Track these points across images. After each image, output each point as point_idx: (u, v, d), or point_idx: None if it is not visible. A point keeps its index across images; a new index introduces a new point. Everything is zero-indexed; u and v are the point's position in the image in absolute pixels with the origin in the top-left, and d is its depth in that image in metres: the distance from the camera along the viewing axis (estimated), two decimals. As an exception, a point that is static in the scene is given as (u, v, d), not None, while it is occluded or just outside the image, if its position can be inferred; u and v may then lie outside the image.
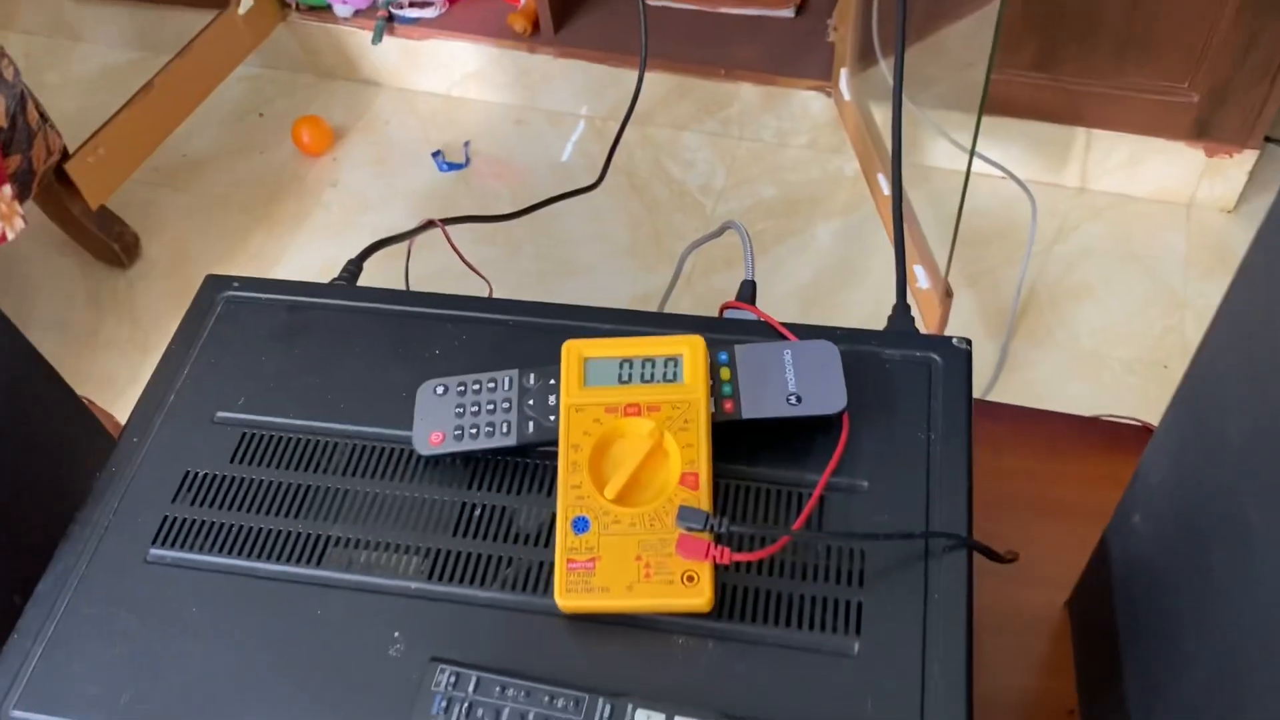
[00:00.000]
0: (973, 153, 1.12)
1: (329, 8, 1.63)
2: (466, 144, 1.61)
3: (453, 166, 1.58)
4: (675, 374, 0.49)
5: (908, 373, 0.54)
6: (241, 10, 1.56)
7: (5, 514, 0.57)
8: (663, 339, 0.50)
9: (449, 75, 1.66)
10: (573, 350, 0.51)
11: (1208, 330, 0.45)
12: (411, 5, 1.61)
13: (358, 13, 1.63)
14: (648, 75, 0.85)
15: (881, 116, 1.42)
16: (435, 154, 1.59)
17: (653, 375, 0.49)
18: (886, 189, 1.37)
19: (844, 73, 1.44)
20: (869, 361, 0.54)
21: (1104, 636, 0.56)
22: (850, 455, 0.51)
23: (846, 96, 1.45)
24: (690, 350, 0.50)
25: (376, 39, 1.61)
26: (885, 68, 1.36)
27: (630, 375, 0.50)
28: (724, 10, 1.58)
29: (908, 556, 0.48)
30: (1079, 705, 0.59)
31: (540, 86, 1.64)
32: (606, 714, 0.42)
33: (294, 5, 1.65)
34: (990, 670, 0.57)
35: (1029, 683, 0.61)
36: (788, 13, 1.56)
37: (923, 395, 0.53)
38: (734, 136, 1.59)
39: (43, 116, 1.30)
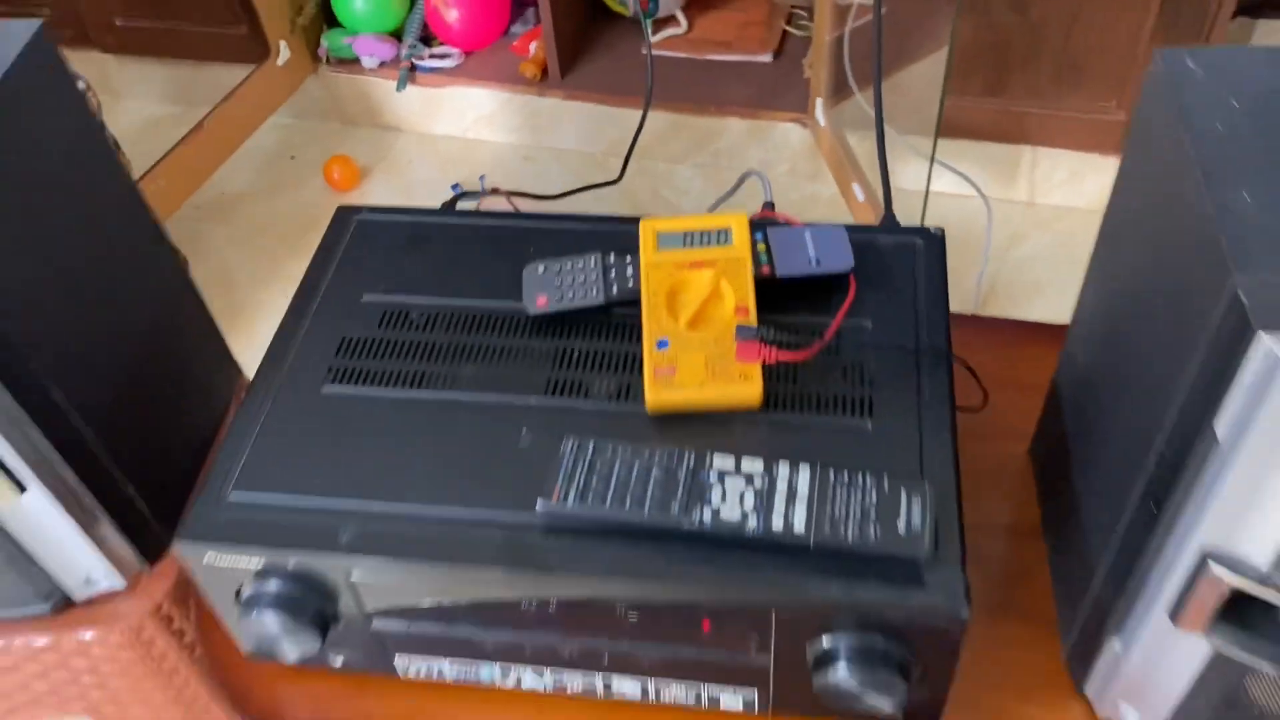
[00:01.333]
0: (932, 164, 1.31)
1: (356, 60, 1.82)
2: (482, 178, 1.79)
3: (470, 196, 1.76)
4: (727, 238, 0.66)
5: (897, 252, 0.71)
6: (280, 61, 1.74)
7: (171, 398, 0.72)
8: (715, 216, 0.67)
9: (465, 119, 1.85)
10: (648, 226, 0.67)
11: (1110, 198, 0.62)
12: (432, 56, 1.81)
13: (383, 64, 1.82)
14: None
15: (855, 137, 1.62)
16: (454, 186, 1.77)
17: (709, 240, 0.66)
18: (861, 195, 1.55)
19: (819, 102, 1.64)
20: (868, 245, 0.71)
21: (1055, 461, 0.72)
22: (858, 303, 0.67)
23: (822, 123, 1.65)
24: (737, 224, 0.66)
25: (401, 86, 1.80)
26: (861, 99, 1.56)
27: (692, 242, 0.66)
28: (711, 57, 1.79)
29: (904, 367, 0.64)
30: (1041, 524, 0.75)
31: (548, 127, 1.83)
32: (691, 462, 0.58)
33: (324, 58, 1.84)
34: (968, 499, 0.73)
35: (1000, 508, 0.77)
36: (766, 57, 1.77)
37: (909, 265, 0.70)
38: (723, 166, 1.79)
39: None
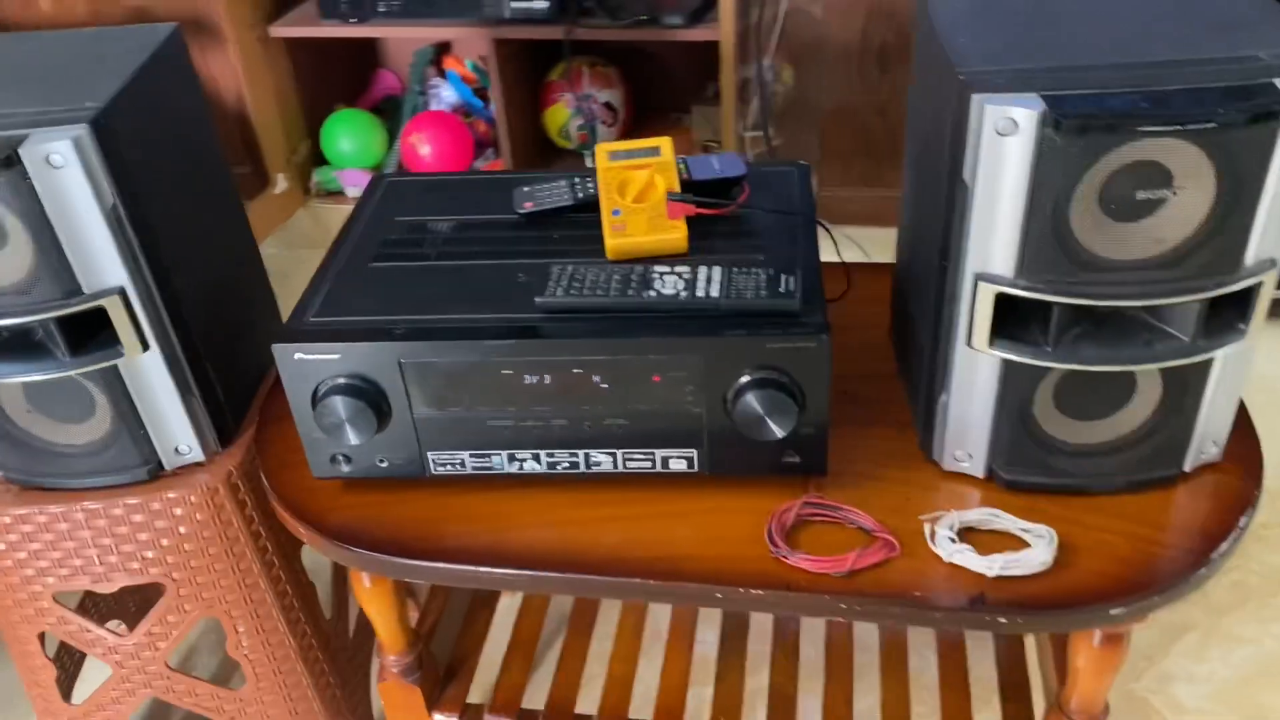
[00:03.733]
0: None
1: (342, 191, 2.14)
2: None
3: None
4: (657, 152, 0.95)
5: (778, 174, 1.01)
6: (278, 190, 2.05)
7: (241, 325, 0.97)
8: (649, 139, 0.96)
9: (434, 239, 2.16)
10: (601, 149, 0.96)
11: (908, 104, 0.92)
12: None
13: (364, 194, 2.15)
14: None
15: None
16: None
17: (644, 154, 0.95)
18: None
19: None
20: (757, 171, 1.01)
21: (900, 318, 0.99)
22: (752, 196, 0.96)
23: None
24: (664, 143, 0.95)
25: (380, 210, 2.12)
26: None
27: (633, 155, 0.95)
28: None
29: (785, 228, 0.92)
30: (898, 372, 1.01)
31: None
32: (640, 268, 0.84)
33: (313, 191, 2.16)
34: (847, 366, 0.99)
35: (869, 368, 1.03)
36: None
37: (788, 182, 1.00)
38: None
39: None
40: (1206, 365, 0.80)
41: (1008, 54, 0.75)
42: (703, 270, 0.84)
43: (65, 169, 0.81)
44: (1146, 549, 0.82)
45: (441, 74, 2.25)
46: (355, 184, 2.12)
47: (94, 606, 1.24)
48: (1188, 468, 0.87)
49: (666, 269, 0.84)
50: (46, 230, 0.82)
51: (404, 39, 2.25)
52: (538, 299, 0.83)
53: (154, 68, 0.91)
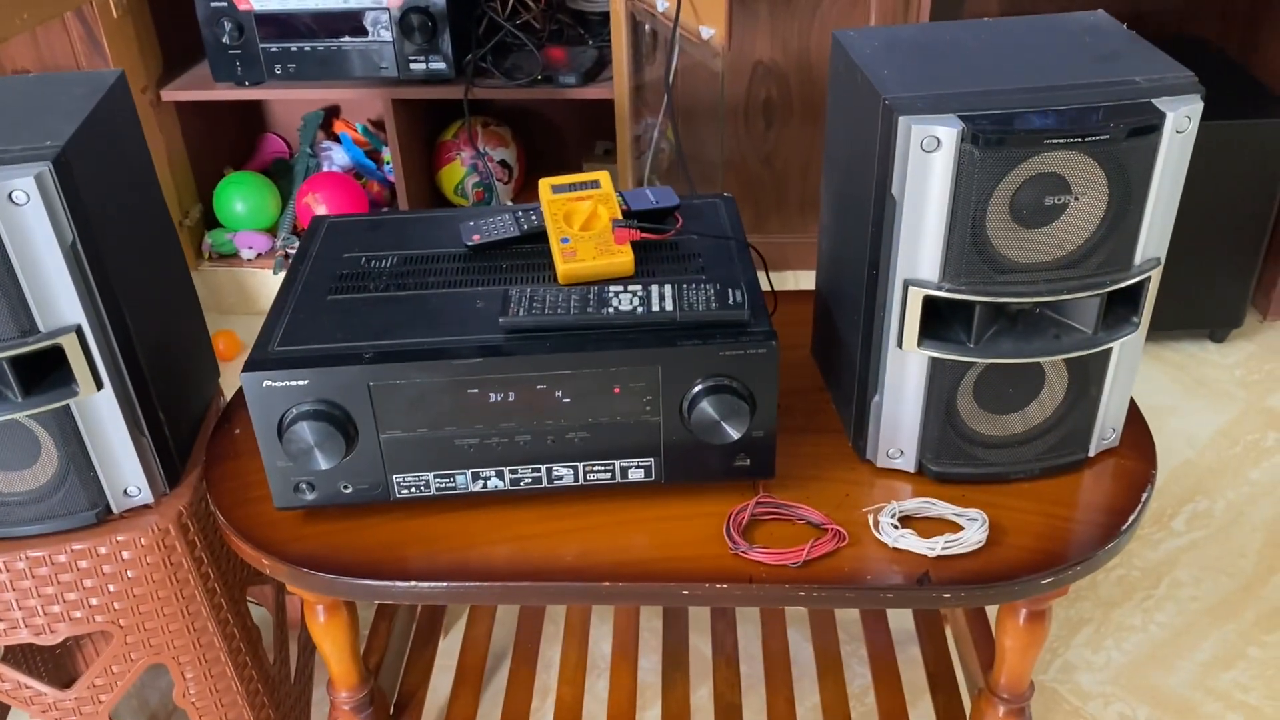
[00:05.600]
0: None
1: (236, 254, 2.13)
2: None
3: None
4: (596, 185, 1.01)
5: (707, 206, 1.08)
6: (170, 253, 2.02)
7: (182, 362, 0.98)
8: (587, 173, 1.02)
9: (331, 298, 2.16)
10: (544, 183, 1.01)
11: (825, 135, 1.01)
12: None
13: (259, 255, 2.13)
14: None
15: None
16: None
17: (585, 187, 1.01)
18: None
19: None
20: (688, 203, 1.08)
21: (823, 333, 1.07)
22: (686, 225, 1.02)
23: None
24: (603, 176, 1.02)
25: (278, 270, 2.11)
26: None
27: (575, 187, 1.01)
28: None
29: (721, 252, 0.99)
30: (824, 383, 1.09)
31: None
32: (596, 289, 0.90)
33: (207, 255, 2.13)
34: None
35: (795, 384, 1.10)
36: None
37: (716, 212, 1.07)
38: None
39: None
40: (1106, 355, 0.90)
41: (925, 82, 0.84)
42: (654, 288, 0.90)
43: (27, 206, 0.82)
44: (1064, 526, 0.91)
45: (333, 137, 2.27)
46: (250, 246, 2.12)
47: (25, 659, 1.20)
48: (1092, 453, 0.96)
49: (620, 288, 0.90)
50: (6, 267, 0.83)
51: (291, 101, 2.27)
52: (502, 319, 0.87)
53: (105, 110, 0.92)
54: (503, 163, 2.16)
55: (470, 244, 1.00)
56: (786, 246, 1.99)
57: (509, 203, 2.21)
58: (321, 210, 2.06)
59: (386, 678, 1.16)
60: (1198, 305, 1.92)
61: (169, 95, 1.98)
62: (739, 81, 1.95)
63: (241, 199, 2.11)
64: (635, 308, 0.88)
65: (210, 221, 2.18)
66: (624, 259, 0.94)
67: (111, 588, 0.98)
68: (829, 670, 1.22)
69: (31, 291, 0.85)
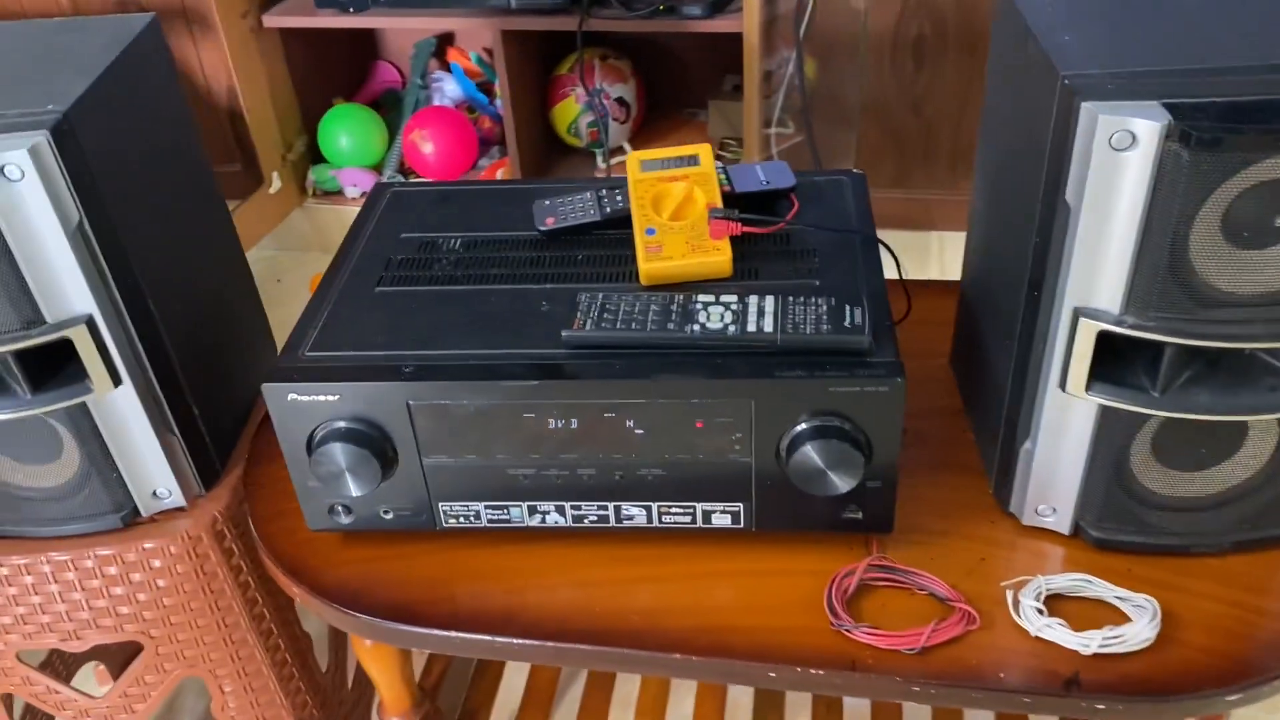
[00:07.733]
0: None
1: (340, 191, 2.03)
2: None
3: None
4: (695, 161, 0.84)
5: (830, 185, 0.90)
6: (272, 190, 1.94)
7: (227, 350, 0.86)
8: (685, 147, 0.85)
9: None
10: (632, 158, 0.85)
11: (982, 113, 0.82)
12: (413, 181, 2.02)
13: (364, 193, 2.03)
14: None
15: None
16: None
17: (681, 163, 0.84)
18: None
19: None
20: (808, 181, 0.90)
21: (967, 347, 0.88)
22: (802, 212, 0.85)
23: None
24: (703, 151, 0.85)
25: (380, 210, 2.01)
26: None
27: (668, 164, 0.84)
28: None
29: (843, 247, 0.81)
30: (964, 408, 0.90)
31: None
32: (681, 298, 0.74)
33: (310, 190, 2.05)
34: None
35: (931, 402, 0.92)
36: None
37: (839, 193, 0.89)
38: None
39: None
40: (1336, 414, 0.70)
41: (1120, 54, 0.64)
42: (753, 300, 0.73)
43: (22, 182, 0.70)
44: (1258, 621, 0.72)
45: (445, 67, 2.13)
46: (354, 184, 2.02)
47: (61, 662, 1.14)
48: (1302, 525, 0.76)
49: (711, 299, 0.74)
50: (2, 252, 0.72)
51: (404, 29, 2.14)
52: (564, 332, 0.72)
53: (127, 64, 0.80)
54: (620, 100, 1.99)
55: (543, 229, 0.85)
56: (932, 203, 1.77)
57: (625, 145, 2.04)
58: (429, 149, 1.94)
59: (447, 697, 1.05)
60: None
61: (270, 21, 1.87)
62: (887, 14, 1.72)
63: (346, 133, 2.00)
64: (727, 326, 0.71)
65: (316, 156, 2.08)
66: (719, 259, 0.78)
67: (140, 597, 0.89)
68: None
69: (33, 278, 0.74)
